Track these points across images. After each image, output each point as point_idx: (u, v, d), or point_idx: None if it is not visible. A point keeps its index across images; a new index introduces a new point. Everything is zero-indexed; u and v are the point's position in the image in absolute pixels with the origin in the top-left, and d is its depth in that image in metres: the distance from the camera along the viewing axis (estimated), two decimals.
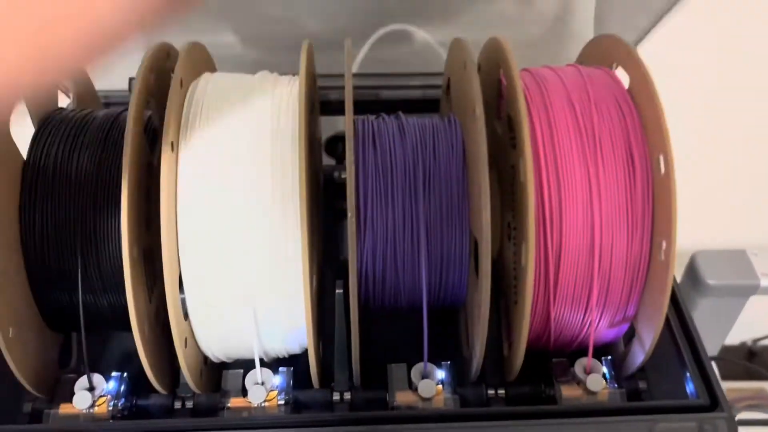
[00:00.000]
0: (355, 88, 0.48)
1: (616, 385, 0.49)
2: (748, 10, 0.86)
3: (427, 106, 0.67)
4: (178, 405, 0.50)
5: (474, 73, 0.47)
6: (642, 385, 0.51)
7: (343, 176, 0.69)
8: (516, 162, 0.47)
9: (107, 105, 0.66)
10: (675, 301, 0.53)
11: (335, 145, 0.72)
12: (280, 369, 0.50)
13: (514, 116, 0.47)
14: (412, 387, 0.49)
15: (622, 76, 0.53)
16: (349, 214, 0.45)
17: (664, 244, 0.46)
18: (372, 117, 0.55)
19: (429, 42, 0.78)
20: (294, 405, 0.49)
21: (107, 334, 0.60)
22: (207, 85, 0.49)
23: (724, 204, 0.88)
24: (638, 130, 0.48)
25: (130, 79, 0.64)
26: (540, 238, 0.47)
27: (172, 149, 0.45)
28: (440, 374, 0.50)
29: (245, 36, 0.76)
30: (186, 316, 0.48)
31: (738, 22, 0.86)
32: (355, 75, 0.61)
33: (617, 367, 0.51)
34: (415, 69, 0.76)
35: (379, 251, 0.50)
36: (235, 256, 0.46)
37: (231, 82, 0.50)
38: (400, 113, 0.55)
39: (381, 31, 0.77)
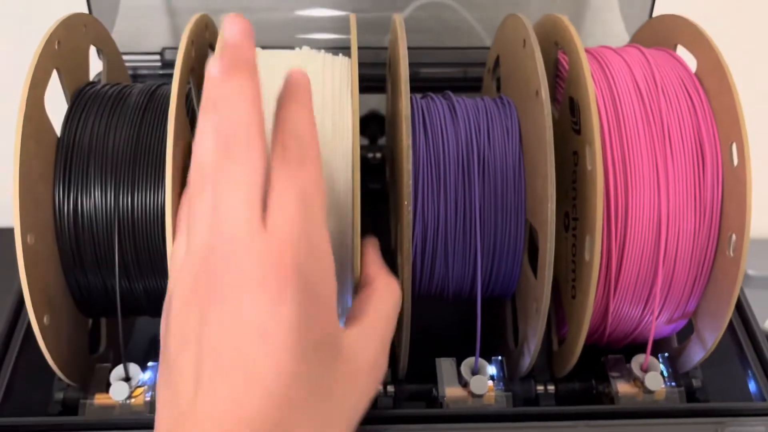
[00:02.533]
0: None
1: (673, 383, 0.47)
2: None
3: (467, 84, 0.65)
4: None
5: (537, 53, 0.44)
6: (696, 383, 0.49)
7: (377, 157, 0.67)
8: (580, 149, 0.44)
9: (135, 77, 0.63)
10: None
11: (367, 124, 0.69)
12: None
13: (580, 100, 0.44)
14: (461, 382, 0.47)
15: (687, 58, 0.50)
16: (405, 202, 0.42)
17: (734, 238, 0.44)
18: (418, 96, 0.52)
19: (462, 15, 0.75)
20: None
21: (135, 319, 0.58)
22: None
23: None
24: (708, 117, 0.45)
25: (163, 49, 0.62)
26: (603, 230, 0.44)
27: None
28: (491, 370, 0.48)
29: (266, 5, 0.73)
30: None
31: None
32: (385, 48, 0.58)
33: (673, 362, 0.49)
34: (447, 43, 0.73)
35: (430, 239, 0.48)
36: None
37: (276, 59, 0.47)
38: (449, 93, 0.52)
39: (415, 4, 0.74)
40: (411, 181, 0.42)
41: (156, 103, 0.49)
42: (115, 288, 0.47)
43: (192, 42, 0.47)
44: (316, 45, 0.55)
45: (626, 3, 0.65)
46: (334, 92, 0.44)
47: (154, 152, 0.47)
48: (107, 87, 0.51)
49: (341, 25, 0.70)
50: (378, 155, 0.67)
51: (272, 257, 0.30)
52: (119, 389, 0.45)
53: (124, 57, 0.59)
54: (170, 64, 0.62)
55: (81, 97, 0.49)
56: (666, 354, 0.49)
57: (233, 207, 0.31)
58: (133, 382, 0.46)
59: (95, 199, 0.47)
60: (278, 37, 0.56)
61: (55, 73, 0.47)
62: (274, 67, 0.46)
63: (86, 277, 0.48)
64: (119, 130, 0.48)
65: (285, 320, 0.29)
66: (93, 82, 0.52)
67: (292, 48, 0.51)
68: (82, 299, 0.49)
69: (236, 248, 0.30)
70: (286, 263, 0.30)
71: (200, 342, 0.30)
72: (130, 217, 0.47)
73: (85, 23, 0.51)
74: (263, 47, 0.55)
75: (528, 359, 0.47)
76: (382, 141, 0.69)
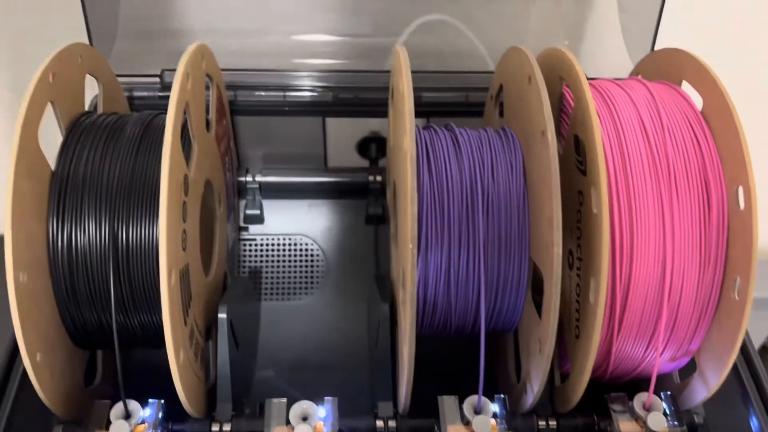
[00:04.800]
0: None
1: (676, 423, 0.47)
2: None
3: (469, 109, 0.64)
4: (215, 429, 0.48)
5: (543, 92, 0.44)
6: (698, 419, 0.49)
7: (377, 179, 0.66)
8: (586, 189, 0.44)
9: (132, 99, 0.61)
10: None
11: (368, 146, 0.69)
12: (326, 399, 0.47)
13: (587, 142, 0.43)
14: (463, 420, 0.47)
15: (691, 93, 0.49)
16: (411, 246, 0.41)
17: (738, 281, 0.43)
18: (421, 127, 0.51)
19: (466, 35, 0.74)
20: None
21: (131, 351, 0.57)
22: None
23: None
24: (714, 158, 0.45)
25: (163, 71, 0.60)
26: (608, 272, 0.44)
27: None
28: (494, 408, 0.47)
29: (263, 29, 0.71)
30: None
31: None
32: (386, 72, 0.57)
33: (675, 401, 0.49)
34: (450, 66, 0.72)
35: (432, 275, 0.47)
36: None
37: None
38: (452, 124, 0.51)
39: (416, 23, 0.73)
40: (415, 224, 0.42)
41: (152, 134, 0.48)
42: (112, 323, 0.46)
43: (187, 75, 0.46)
44: (313, 69, 0.54)
45: (629, 32, 0.65)
46: None
47: (150, 185, 0.46)
48: (102, 117, 0.50)
49: (337, 50, 0.69)
50: (378, 178, 0.66)
51: None
52: (120, 428, 0.45)
53: (123, 79, 0.58)
54: (170, 87, 0.61)
55: (76, 129, 0.48)
56: (669, 393, 0.49)
57: None
58: (134, 420, 0.45)
59: (89, 233, 0.46)
60: (274, 61, 0.54)
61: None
62: None
63: (81, 311, 0.47)
64: (114, 163, 0.47)
65: None
66: (89, 112, 0.51)
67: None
68: (77, 333, 0.48)
69: None
70: None
71: None
72: (125, 250, 0.46)
73: (80, 54, 0.50)
74: (259, 71, 0.53)
75: (531, 398, 0.47)
76: (383, 162, 0.68)
